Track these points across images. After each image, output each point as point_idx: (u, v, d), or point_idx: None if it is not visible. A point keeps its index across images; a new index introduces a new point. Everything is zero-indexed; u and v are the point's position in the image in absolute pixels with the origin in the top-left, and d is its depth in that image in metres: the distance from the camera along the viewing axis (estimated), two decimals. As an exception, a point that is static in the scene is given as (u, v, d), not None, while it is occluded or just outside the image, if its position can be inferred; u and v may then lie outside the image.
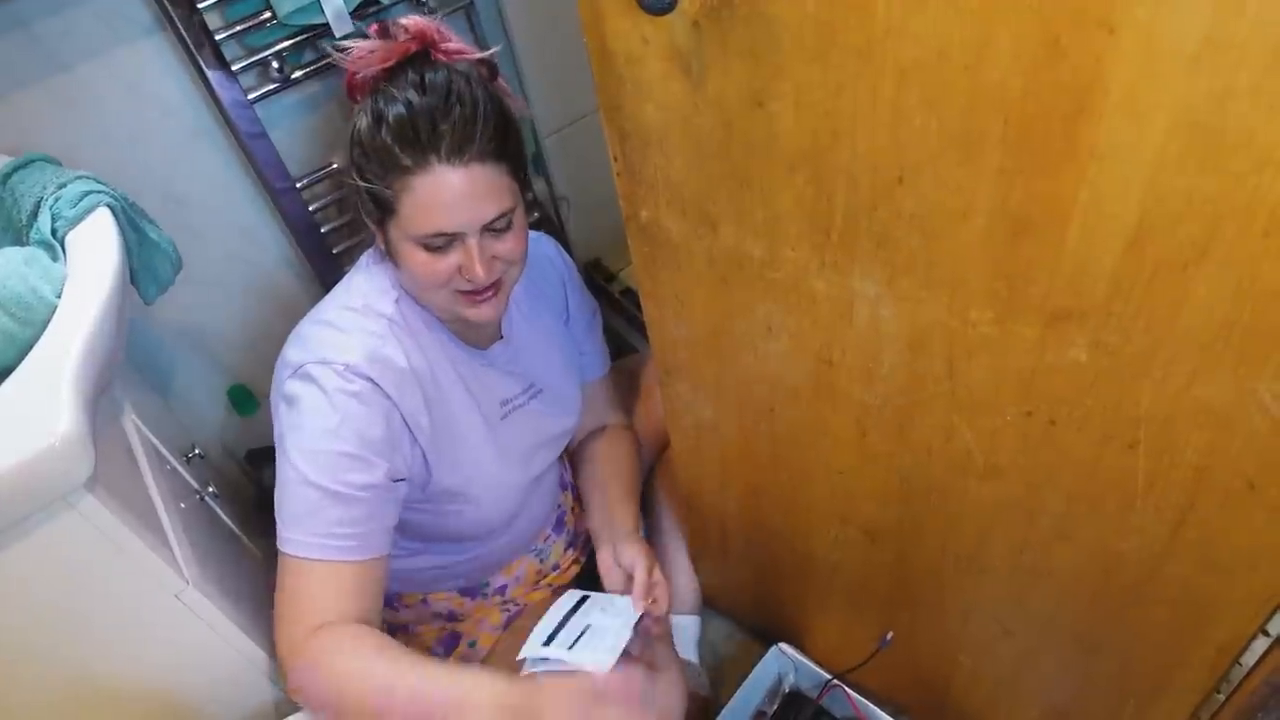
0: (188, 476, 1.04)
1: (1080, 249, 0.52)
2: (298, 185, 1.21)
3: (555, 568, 1.13)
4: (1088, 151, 0.47)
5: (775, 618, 1.18)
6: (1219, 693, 0.72)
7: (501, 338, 0.97)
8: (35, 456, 0.64)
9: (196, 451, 1.10)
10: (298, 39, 1.12)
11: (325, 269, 1.28)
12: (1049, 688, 0.89)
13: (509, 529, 1.02)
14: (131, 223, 0.92)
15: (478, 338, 0.94)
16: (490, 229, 0.81)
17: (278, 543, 0.79)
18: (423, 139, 0.77)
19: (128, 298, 0.87)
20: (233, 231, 1.24)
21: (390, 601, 1.04)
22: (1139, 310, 0.52)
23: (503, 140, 0.81)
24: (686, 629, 1.20)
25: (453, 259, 0.81)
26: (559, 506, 1.14)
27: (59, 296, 0.77)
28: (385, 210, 0.81)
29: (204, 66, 1.07)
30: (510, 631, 1.06)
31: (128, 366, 1.10)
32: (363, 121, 0.80)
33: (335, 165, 1.24)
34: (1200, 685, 0.72)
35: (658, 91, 0.63)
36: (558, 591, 1.03)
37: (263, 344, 1.32)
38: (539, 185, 1.51)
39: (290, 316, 0.91)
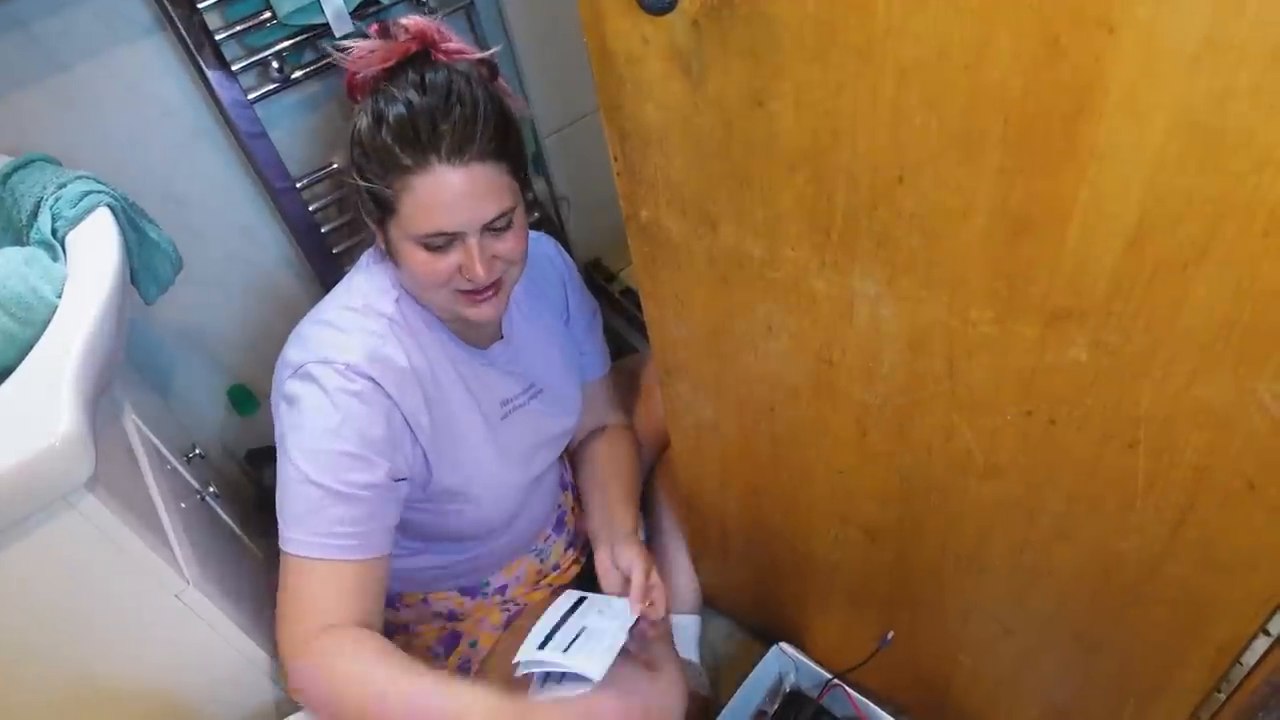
0: (188, 476, 1.04)
1: (1080, 248, 0.52)
2: (298, 185, 1.21)
3: (555, 568, 1.13)
4: (1088, 151, 0.47)
5: (775, 617, 1.18)
6: (1219, 692, 0.72)
7: (502, 337, 0.97)
8: (35, 456, 0.64)
9: (197, 451, 1.10)
10: (298, 39, 1.12)
11: (325, 269, 1.28)
12: (1049, 687, 0.89)
13: (509, 529, 1.02)
14: (131, 223, 0.92)
15: (478, 337, 0.94)
16: (490, 228, 0.81)
17: (280, 542, 0.79)
18: (423, 138, 0.77)
19: (128, 298, 0.87)
20: (233, 231, 1.24)
21: (391, 601, 1.04)
22: (1139, 310, 0.52)
23: (503, 140, 0.81)
24: (687, 628, 1.20)
25: (453, 258, 0.81)
26: (559, 506, 1.14)
27: (59, 296, 0.77)
28: (385, 210, 0.81)
29: (204, 66, 1.07)
30: (510, 631, 1.06)
31: (128, 366, 1.10)
32: (363, 121, 0.80)
33: (335, 165, 1.24)
34: (1200, 685, 0.72)
35: (658, 91, 0.63)
36: (558, 591, 1.03)
37: (263, 344, 1.32)
38: (539, 185, 1.51)
39: (290, 316, 0.91)
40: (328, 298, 0.90)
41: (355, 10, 1.12)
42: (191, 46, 1.06)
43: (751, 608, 1.25)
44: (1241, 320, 0.49)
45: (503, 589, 1.08)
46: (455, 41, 0.84)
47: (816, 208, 0.62)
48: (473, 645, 1.06)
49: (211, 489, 1.04)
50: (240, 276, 1.28)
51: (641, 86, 0.64)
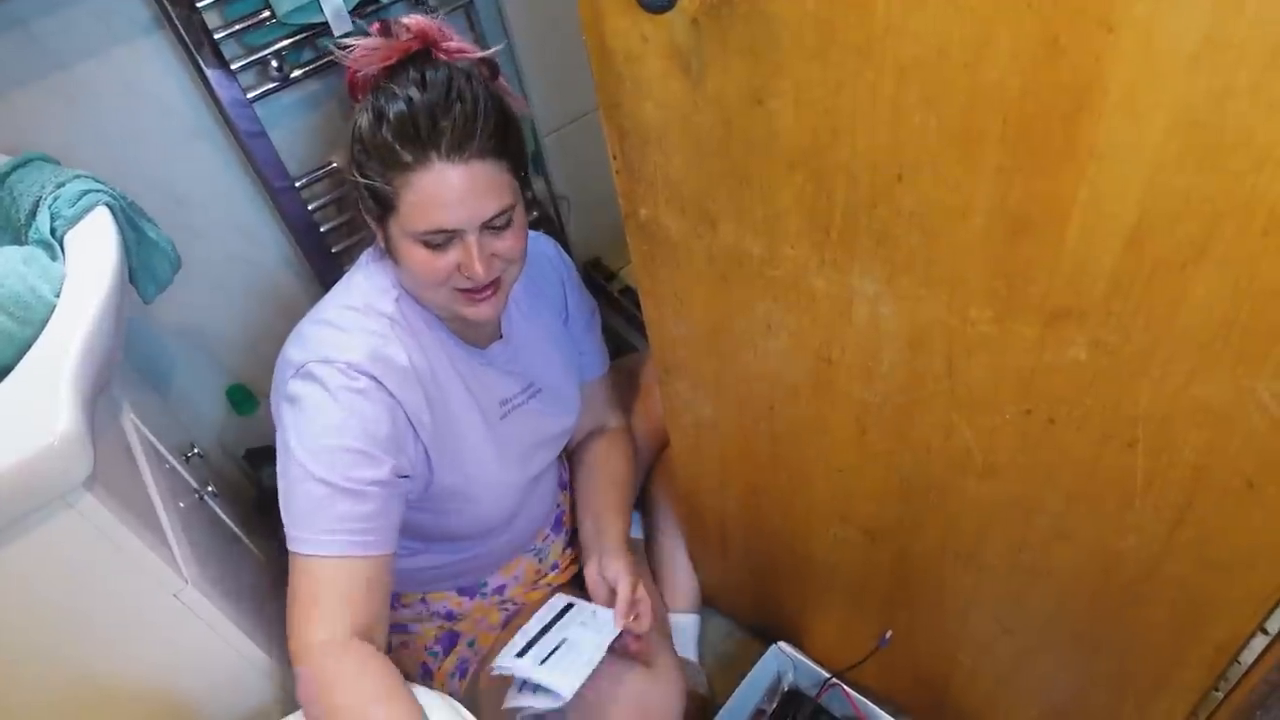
0: (187, 476, 1.04)
1: (1079, 248, 0.52)
2: (297, 184, 1.21)
3: (554, 567, 1.13)
4: (1087, 150, 0.47)
5: (774, 616, 1.18)
6: (1218, 690, 0.72)
7: (501, 337, 0.97)
8: (34, 456, 0.64)
9: (196, 451, 1.10)
10: (297, 38, 1.12)
11: (325, 268, 1.28)
12: (1048, 686, 0.89)
13: (508, 528, 1.02)
14: (130, 222, 0.92)
15: (477, 337, 0.94)
16: (490, 226, 0.81)
17: (287, 543, 0.79)
18: (423, 136, 0.77)
19: (126, 297, 0.87)
20: (232, 231, 1.24)
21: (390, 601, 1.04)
22: (1138, 309, 0.53)
23: (503, 138, 0.81)
24: (685, 628, 1.20)
25: (452, 256, 0.81)
26: (558, 506, 1.14)
27: (58, 296, 0.77)
28: (385, 207, 0.81)
29: (203, 65, 1.07)
30: (509, 631, 1.05)
31: (127, 366, 1.10)
32: (364, 119, 0.80)
33: (335, 164, 1.24)
34: (1199, 683, 0.73)
35: (657, 89, 0.63)
36: (556, 591, 1.03)
37: (262, 343, 1.32)
38: (539, 184, 1.50)
39: (290, 316, 0.91)
40: (327, 297, 0.90)
41: (354, 9, 1.12)
42: (190, 45, 1.06)
43: (750, 607, 1.25)
44: (1240, 319, 0.49)
45: (501, 589, 1.07)
46: (456, 40, 0.84)
47: (816, 206, 0.62)
48: (471, 645, 1.06)
49: (210, 488, 1.04)
50: (239, 276, 1.27)
51: (641, 85, 0.64)
